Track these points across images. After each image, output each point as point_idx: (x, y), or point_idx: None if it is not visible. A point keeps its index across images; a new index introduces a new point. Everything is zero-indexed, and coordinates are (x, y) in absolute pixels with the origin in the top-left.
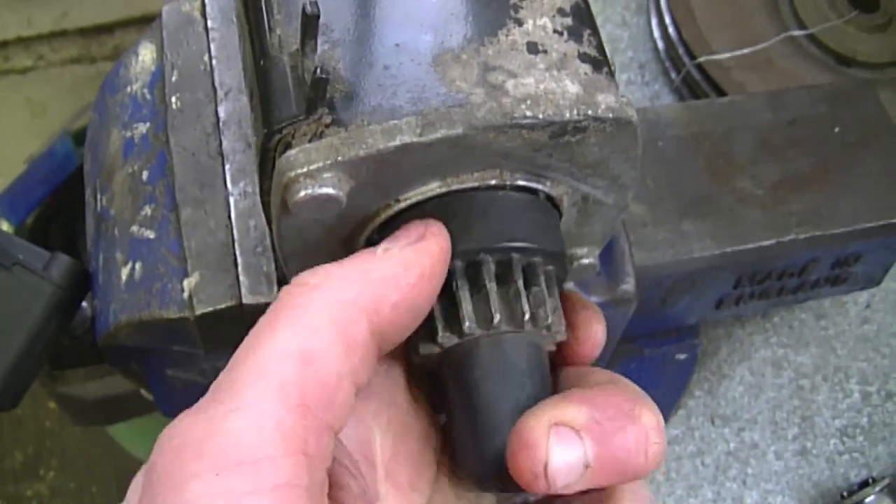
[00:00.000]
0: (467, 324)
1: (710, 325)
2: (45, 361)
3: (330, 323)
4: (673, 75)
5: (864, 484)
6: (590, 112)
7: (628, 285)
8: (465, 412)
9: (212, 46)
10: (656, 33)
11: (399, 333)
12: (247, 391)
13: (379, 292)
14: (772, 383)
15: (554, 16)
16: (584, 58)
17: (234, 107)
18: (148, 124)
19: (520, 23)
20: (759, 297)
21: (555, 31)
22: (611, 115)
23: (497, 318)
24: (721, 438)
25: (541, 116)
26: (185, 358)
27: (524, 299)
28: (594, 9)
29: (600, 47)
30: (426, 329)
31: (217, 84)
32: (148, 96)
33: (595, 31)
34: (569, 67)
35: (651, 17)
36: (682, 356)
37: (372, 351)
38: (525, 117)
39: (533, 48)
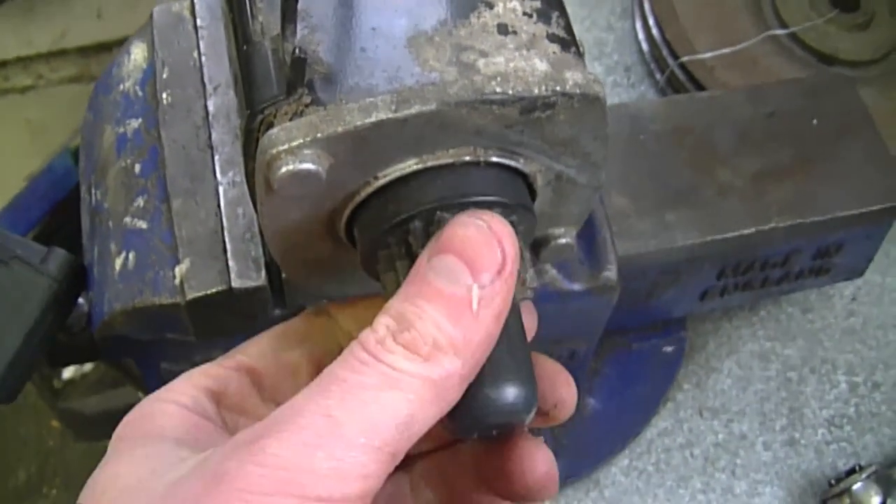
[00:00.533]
0: None
1: (698, 320)
2: (43, 357)
3: (434, 400)
4: (658, 76)
5: (851, 472)
6: (558, 88)
7: (610, 273)
8: None
9: (201, 44)
10: (641, 36)
11: None
12: (346, 429)
13: (477, 358)
14: (759, 376)
15: None
16: (552, 38)
17: (222, 101)
18: (140, 120)
19: (490, 6)
20: (744, 288)
21: (524, 13)
22: (578, 91)
23: None
24: (710, 430)
25: (510, 92)
26: (178, 349)
27: None
28: (579, 15)
29: (568, 28)
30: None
31: (206, 79)
32: (140, 93)
33: (563, 13)
34: (538, 47)
35: (636, 21)
36: (669, 349)
37: None
38: (495, 93)
39: (503, 29)
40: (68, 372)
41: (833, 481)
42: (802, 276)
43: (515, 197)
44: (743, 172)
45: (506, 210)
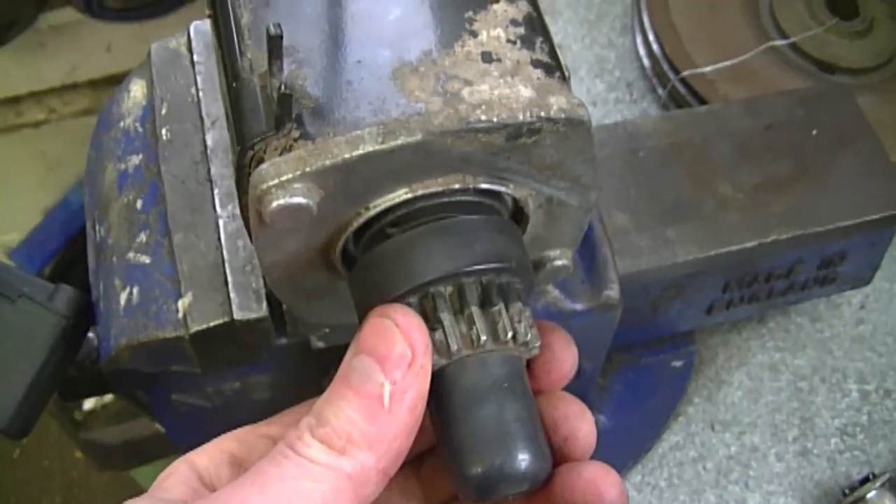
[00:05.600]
0: (455, 346)
1: (707, 333)
2: (55, 392)
3: (351, 489)
4: (660, 91)
5: (864, 480)
6: (542, 114)
7: (612, 291)
8: (441, 433)
9: (198, 79)
10: (642, 51)
11: None
12: None
13: (394, 449)
14: (770, 387)
15: (507, 26)
16: (536, 64)
17: (220, 135)
18: (140, 156)
19: (474, 34)
20: (750, 300)
21: (508, 40)
22: (563, 116)
23: (455, 346)
24: (722, 443)
25: (495, 120)
26: (186, 380)
27: (479, 321)
28: (580, 32)
29: (552, 53)
30: None
31: (204, 114)
32: (140, 129)
33: (547, 38)
34: (522, 73)
35: (636, 37)
36: (678, 363)
37: None
38: (480, 121)
39: (487, 57)
40: (89, 403)
41: (847, 490)
42: (808, 287)
43: (521, 259)
44: (743, 185)
45: (515, 276)
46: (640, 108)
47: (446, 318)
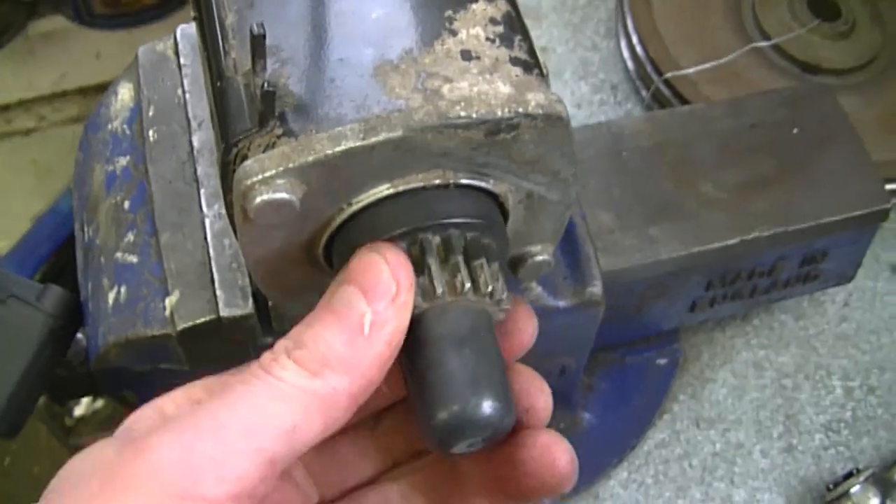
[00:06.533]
0: (439, 289)
1: (692, 332)
2: (45, 392)
3: (320, 409)
4: (644, 93)
5: (848, 475)
6: (520, 109)
7: (595, 288)
8: (416, 382)
9: (185, 81)
10: (625, 54)
11: None
12: (227, 432)
13: (367, 376)
14: (754, 384)
15: (486, 25)
16: (515, 61)
17: (206, 136)
18: (128, 157)
19: (454, 33)
20: (733, 298)
21: (487, 38)
22: (541, 112)
23: (440, 289)
24: (707, 440)
25: (474, 116)
26: (174, 379)
27: (464, 270)
28: (564, 35)
29: (531, 51)
30: None
31: (190, 116)
32: (127, 131)
33: (526, 37)
34: (501, 71)
35: (620, 40)
36: (662, 361)
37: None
38: (460, 117)
39: (467, 55)
40: (79, 409)
41: (831, 485)
42: (791, 284)
43: (487, 217)
44: (725, 184)
45: (484, 233)
46: (625, 110)
47: (433, 262)
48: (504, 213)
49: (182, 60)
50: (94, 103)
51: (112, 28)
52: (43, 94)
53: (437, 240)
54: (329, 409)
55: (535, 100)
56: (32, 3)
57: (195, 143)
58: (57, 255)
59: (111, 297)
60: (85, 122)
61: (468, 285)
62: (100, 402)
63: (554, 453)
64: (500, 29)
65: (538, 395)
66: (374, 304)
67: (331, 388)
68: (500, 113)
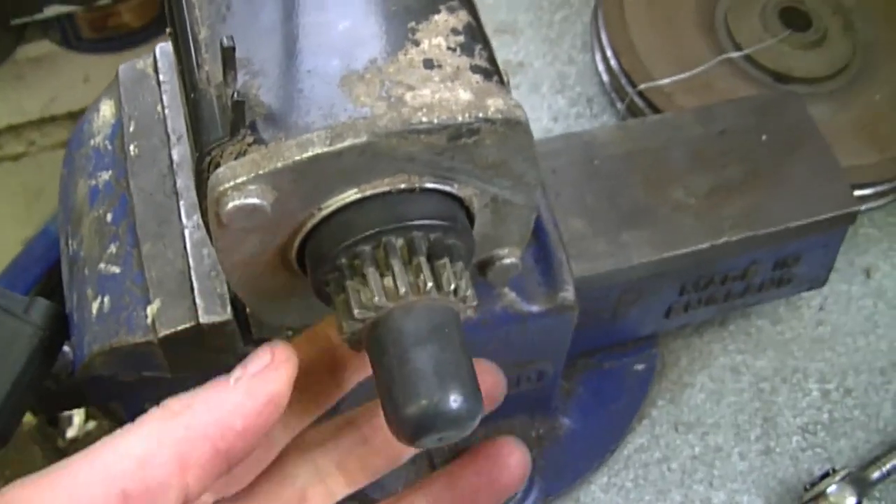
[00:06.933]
0: (376, 298)
1: (670, 337)
2: (33, 404)
3: (174, 442)
4: (619, 105)
5: (825, 475)
6: (480, 114)
7: (567, 293)
8: (382, 378)
9: (164, 97)
10: (600, 67)
11: (249, 451)
12: (80, 472)
13: (225, 421)
14: (732, 388)
15: (448, 35)
16: (475, 69)
17: (185, 149)
18: (110, 172)
19: (417, 43)
20: (707, 302)
21: (448, 48)
22: (500, 116)
23: (403, 289)
24: (686, 444)
25: (436, 121)
26: (161, 389)
27: (426, 270)
28: (542, 50)
29: (491, 59)
30: (348, 309)
31: (170, 130)
32: (109, 147)
33: (486, 46)
34: (461, 78)
35: (595, 53)
36: (640, 367)
37: (214, 469)
38: (422, 123)
39: (429, 64)
40: (72, 431)
41: (808, 486)
42: (765, 288)
43: (451, 219)
44: (696, 190)
45: (448, 234)
46: (601, 122)
47: (396, 264)
48: (470, 217)
49: (161, 77)
50: None
51: (100, 52)
52: (32, 119)
53: (400, 242)
54: (183, 446)
55: (494, 105)
56: (20, 28)
57: (174, 157)
58: (48, 277)
59: (95, 307)
60: None
61: (430, 284)
62: (91, 424)
63: (504, 452)
64: (461, 38)
65: (489, 377)
66: (246, 368)
67: (184, 425)
68: (460, 118)
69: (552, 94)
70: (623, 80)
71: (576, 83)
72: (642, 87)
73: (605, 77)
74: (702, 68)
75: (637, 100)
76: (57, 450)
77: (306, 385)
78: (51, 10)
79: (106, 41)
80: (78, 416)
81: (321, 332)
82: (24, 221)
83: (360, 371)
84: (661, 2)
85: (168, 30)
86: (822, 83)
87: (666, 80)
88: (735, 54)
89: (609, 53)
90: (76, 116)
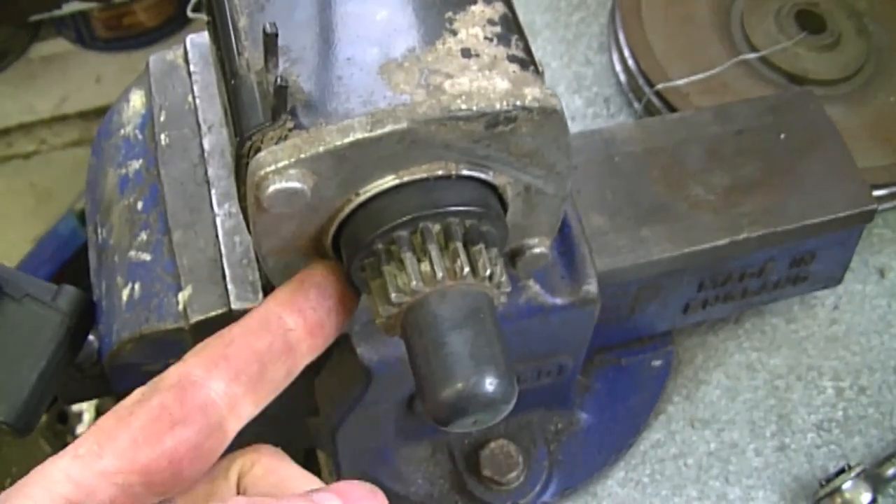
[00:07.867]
0: (413, 283)
1: (685, 335)
2: (57, 393)
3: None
4: (636, 105)
5: (840, 472)
6: (518, 102)
7: (591, 286)
8: (417, 362)
9: (195, 87)
10: (618, 68)
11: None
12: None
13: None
14: (747, 385)
15: (485, 25)
16: (512, 59)
17: (216, 139)
18: (140, 161)
19: (454, 33)
20: (725, 299)
21: (485, 38)
22: (537, 105)
23: (440, 274)
24: (702, 440)
25: (474, 108)
26: None
27: (462, 255)
28: (559, 51)
29: (527, 49)
30: (385, 293)
31: (201, 120)
32: (139, 136)
33: (522, 36)
34: (499, 67)
35: (612, 54)
36: (657, 363)
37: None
38: (461, 110)
39: (466, 53)
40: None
41: (823, 482)
42: (780, 286)
43: (486, 206)
44: (714, 187)
45: (478, 218)
46: (617, 122)
47: (433, 249)
48: (503, 205)
49: (192, 68)
50: (95, 127)
51: (113, 51)
52: (43, 118)
53: (437, 227)
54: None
55: (531, 94)
56: (35, 26)
57: (206, 147)
58: (58, 277)
59: (125, 294)
60: (85, 146)
61: (466, 269)
62: None
63: None
64: (497, 29)
65: None
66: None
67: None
68: (498, 106)
69: (569, 95)
70: (640, 81)
71: (593, 83)
72: (659, 87)
73: (623, 77)
74: (718, 69)
75: (654, 100)
76: (66, 446)
77: (260, 371)
78: (69, 7)
79: (119, 40)
80: (88, 412)
81: (274, 315)
82: (34, 220)
83: (312, 352)
84: (678, 4)
85: (206, 17)
86: (837, 85)
87: (682, 81)
88: (750, 56)
89: (626, 54)
90: (87, 116)
